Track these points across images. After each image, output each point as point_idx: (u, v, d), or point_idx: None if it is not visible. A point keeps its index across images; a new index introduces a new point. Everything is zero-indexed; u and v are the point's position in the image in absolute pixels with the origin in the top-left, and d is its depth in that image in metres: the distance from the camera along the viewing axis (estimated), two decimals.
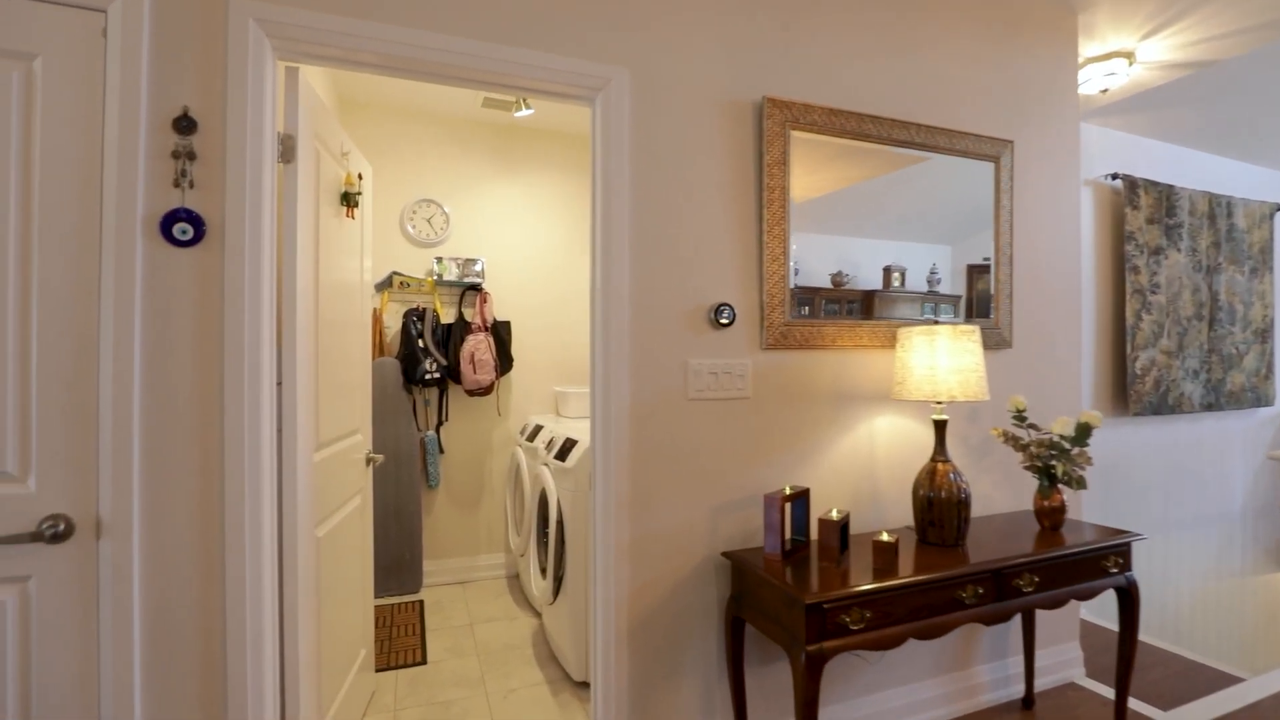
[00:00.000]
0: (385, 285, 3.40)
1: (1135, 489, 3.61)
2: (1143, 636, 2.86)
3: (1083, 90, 2.99)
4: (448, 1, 1.62)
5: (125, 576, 1.33)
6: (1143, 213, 3.50)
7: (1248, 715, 2.20)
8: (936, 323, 2.21)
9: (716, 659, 1.91)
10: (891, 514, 2.16)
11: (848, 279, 2.07)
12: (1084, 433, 2.00)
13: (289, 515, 1.58)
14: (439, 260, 3.51)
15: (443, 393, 3.53)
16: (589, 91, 1.78)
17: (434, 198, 3.58)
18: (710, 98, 1.89)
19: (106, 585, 1.32)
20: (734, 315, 1.89)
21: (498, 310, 3.70)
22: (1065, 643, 2.45)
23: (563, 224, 3.86)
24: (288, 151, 1.61)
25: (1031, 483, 2.40)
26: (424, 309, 3.42)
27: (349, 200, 2.06)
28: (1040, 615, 2.39)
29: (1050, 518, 2.03)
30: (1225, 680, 2.43)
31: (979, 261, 2.28)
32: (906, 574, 1.64)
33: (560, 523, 2.53)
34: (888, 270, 2.14)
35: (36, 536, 1.24)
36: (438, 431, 3.51)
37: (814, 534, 2.00)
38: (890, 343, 2.13)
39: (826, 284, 2.04)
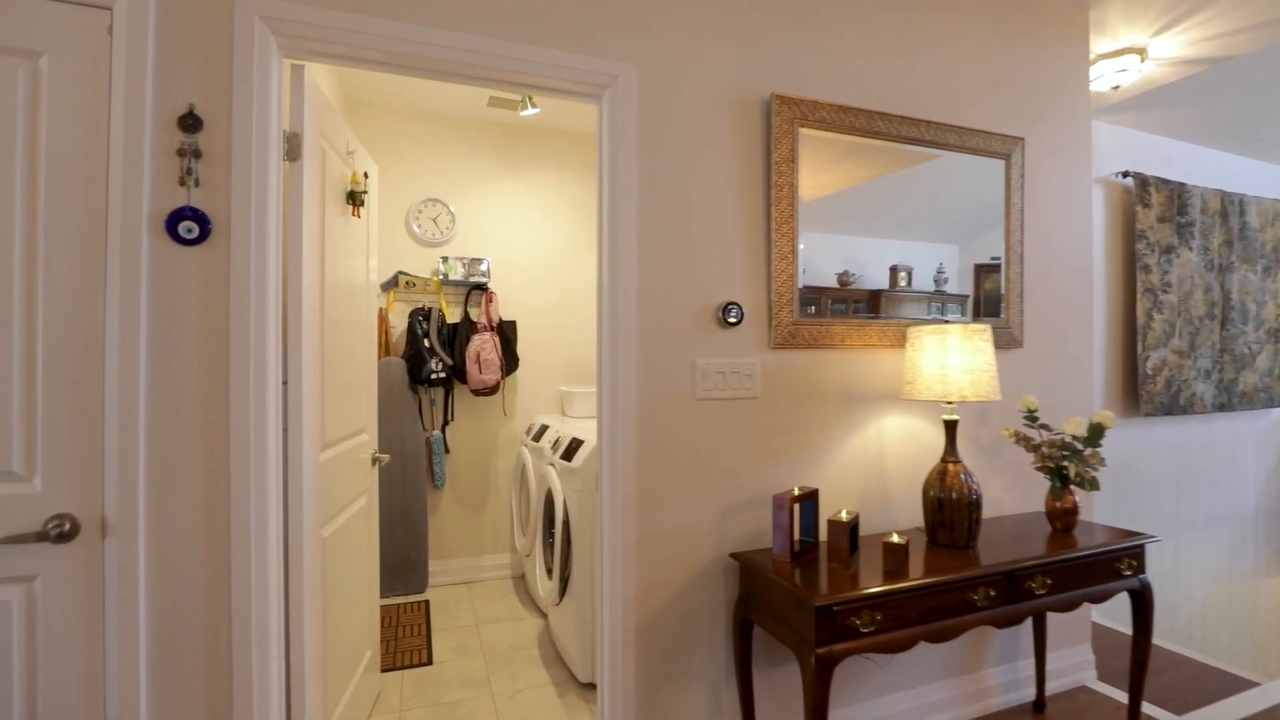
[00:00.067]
0: (391, 285, 3.40)
1: (1146, 490, 3.57)
2: (1154, 639, 2.83)
3: (1094, 87, 2.96)
4: None
5: (130, 576, 1.32)
6: (1154, 211, 3.46)
7: None
8: (946, 322, 2.19)
9: (724, 661, 1.89)
10: (901, 515, 2.14)
11: (854, 279, 2.05)
12: (1097, 433, 1.97)
13: (295, 515, 1.58)
14: (444, 260, 3.50)
15: (448, 392, 3.52)
16: (596, 89, 1.76)
17: (439, 197, 3.57)
18: (718, 95, 1.88)
19: (112, 585, 1.31)
20: (742, 314, 1.87)
21: (503, 310, 3.69)
22: (1077, 645, 2.42)
23: (568, 223, 3.85)
24: (293, 149, 1.60)
25: (1042, 484, 2.38)
26: (429, 308, 3.41)
27: (354, 199, 2.05)
28: (1051, 618, 2.36)
29: (1062, 519, 2.01)
30: (1239, 684, 2.40)
31: (987, 261, 2.26)
32: (917, 576, 1.62)
33: (566, 523, 2.52)
34: (894, 270, 2.12)
35: (42, 536, 1.23)
36: (443, 431, 3.51)
37: (823, 535, 1.98)
38: (899, 342, 2.11)
39: (833, 283, 2.02)
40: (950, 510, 1.83)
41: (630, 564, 1.76)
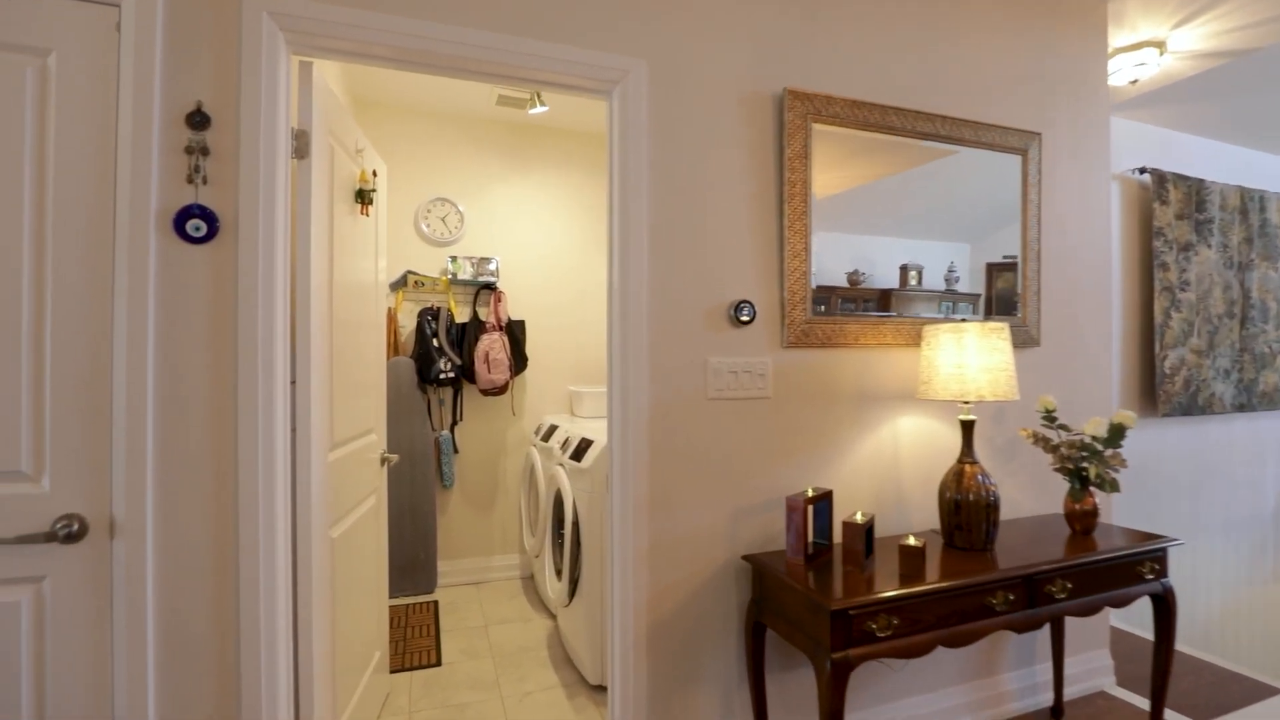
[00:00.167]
0: (400, 284, 3.39)
1: (1163, 491, 3.51)
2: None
3: (1112, 81, 2.91)
4: None
5: (139, 577, 1.31)
6: (1172, 208, 3.40)
7: None
8: (963, 320, 2.15)
9: (737, 665, 1.86)
10: (916, 517, 2.10)
11: (864, 278, 2.02)
12: (1117, 433, 1.93)
13: (303, 515, 1.56)
14: (453, 259, 3.49)
15: (457, 392, 3.51)
16: (606, 84, 1.74)
17: (448, 196, 3.56)
18: (730, 90, 1.85)
19: (120, 585, 1.30)
20: (754, 313, 1.84)
21: (512, 309, 3.67)
22: (1095, 650, 2.38)
23: (578, 222, 3.83)
24: (302, 147, 1.59)
25: (1060, 485, 2.33)
26: (438, 308, 3.40)
27: (363, 197, 2.04)
28: (1069, 622, 2.31)
29: (1082, 521, 1.97)
30: (1263, 690, 2.34)
31: (999, 260, 2.22)
32: (934, 579, 1.58)
33: (576, 524, 2.50)
34: (904, 269, 2.09)
35: (51, 536, 1.22)
36: (452, 431, 3.50)
37: (837, 537, 1.94)
38: (914, 341, 2.08)
39: (842, 282, 1.99)
40: (967, 512, 1.79)
41: (642, 569, 1.74)
